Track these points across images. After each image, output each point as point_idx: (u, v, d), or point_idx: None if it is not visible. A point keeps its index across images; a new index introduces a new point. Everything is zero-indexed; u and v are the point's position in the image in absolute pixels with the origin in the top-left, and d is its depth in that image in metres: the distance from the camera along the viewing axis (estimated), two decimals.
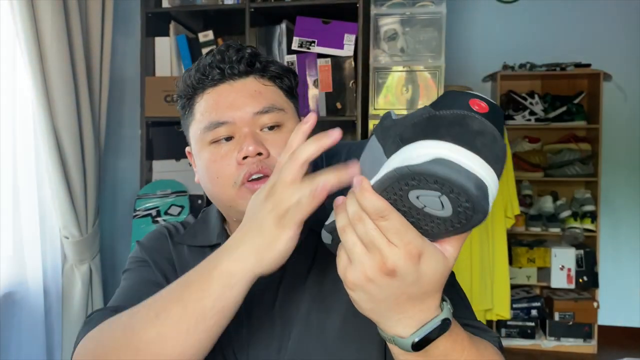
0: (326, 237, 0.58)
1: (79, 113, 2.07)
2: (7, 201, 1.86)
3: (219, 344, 0.74)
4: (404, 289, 0.48)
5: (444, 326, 0.50)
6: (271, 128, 0.74)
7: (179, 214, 2.22)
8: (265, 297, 0.74)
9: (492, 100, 0.45)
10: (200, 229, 0.83)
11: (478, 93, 0.46)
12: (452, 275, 0.78)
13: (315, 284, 0.74)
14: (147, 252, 0.82)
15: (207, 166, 0.74)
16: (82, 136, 2.09)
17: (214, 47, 2.65)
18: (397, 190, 0.46)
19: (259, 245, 0.55)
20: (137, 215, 2.24)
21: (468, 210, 0.44)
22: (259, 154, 0.71)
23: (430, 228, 0.48)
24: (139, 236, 2.19)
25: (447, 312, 0.51)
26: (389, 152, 0.49)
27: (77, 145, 2.05)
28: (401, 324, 0.50)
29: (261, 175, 0.71)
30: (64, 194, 2.01)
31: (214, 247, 0.78)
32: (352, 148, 1.06)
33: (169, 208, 2.23)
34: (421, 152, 0.44)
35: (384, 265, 0.47)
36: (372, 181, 0.47)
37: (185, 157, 0.85)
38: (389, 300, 0.49)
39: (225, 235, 0.80)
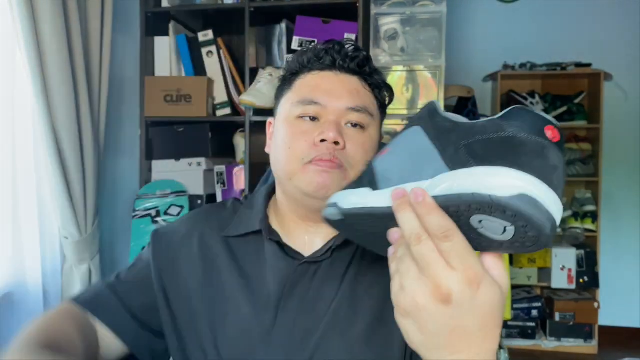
0: (334, 214, 0.56)
1: (79, 113, 2.06)
2: (6, 201, 1.86)
3: (239, 325, 0.76)
4: (458, 321, 0.44)
5: None
6: (354, 126, 0.78)
7: (179, 214, 2.21)
8: (298, 286, 0.77)
9: (560, 127, 0.45)
10: (246, 216, 0.85)
11: (550, 117, 0.45)
12: None
13: (348, 287, 0.77)
14: (156, 251, 0.85)
15: (285, 137, 0.78)
16: (81, 136, 2.08)
17: (214, 46, 2.62)
18: (462, 210, 0.44)
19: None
20: (136, 215, 2.23)
21: (531, 242, 0.44)
22: (336, 143, 0.74)
23: (477, 243, 0.47)
24: (139, 236, 2.19)
25: None
26: (451, 162, 0.46)
27: (77, 145, 2.04)
28: None
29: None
30: (64, 194, 2.00)
31: (256, 233, 0.81)
32: None
33: (168, 208, 2.22)
34: (506, 183, 0.42)
35: (438, 290, 0.44)
36: (433, 192, 0.45)
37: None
38: (441, 333, 0.45)
39: (266, 220, 0.82)
